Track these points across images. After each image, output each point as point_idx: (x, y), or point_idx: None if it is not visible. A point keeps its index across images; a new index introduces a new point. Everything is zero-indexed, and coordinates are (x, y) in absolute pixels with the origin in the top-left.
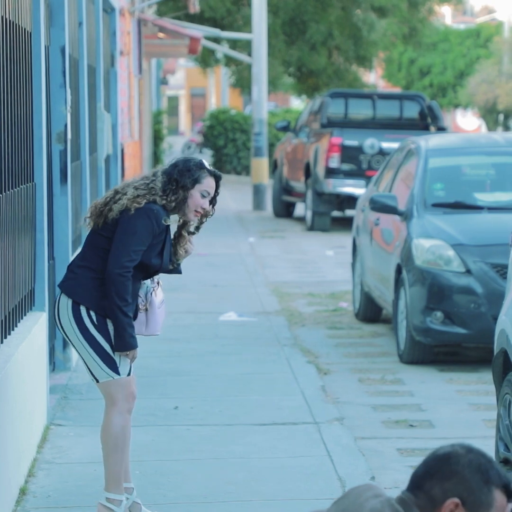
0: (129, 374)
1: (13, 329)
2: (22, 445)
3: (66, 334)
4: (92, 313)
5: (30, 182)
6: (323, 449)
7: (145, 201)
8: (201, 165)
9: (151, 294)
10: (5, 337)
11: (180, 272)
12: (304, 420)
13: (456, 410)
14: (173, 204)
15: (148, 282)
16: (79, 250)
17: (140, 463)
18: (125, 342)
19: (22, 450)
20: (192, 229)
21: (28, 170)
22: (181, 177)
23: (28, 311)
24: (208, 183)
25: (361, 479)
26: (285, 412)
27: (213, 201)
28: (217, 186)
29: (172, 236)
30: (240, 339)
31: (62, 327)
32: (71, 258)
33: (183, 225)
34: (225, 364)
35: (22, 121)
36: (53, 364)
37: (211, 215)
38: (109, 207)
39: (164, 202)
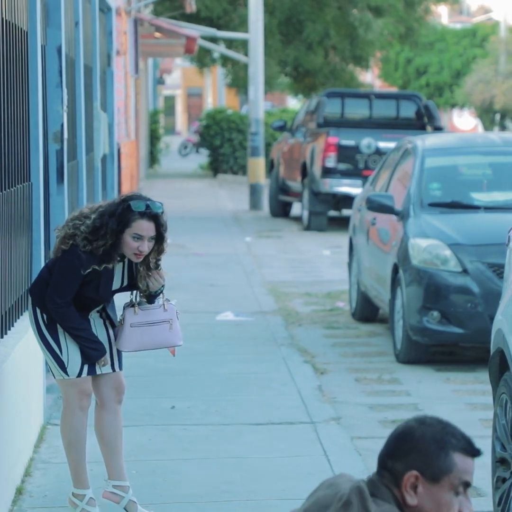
0: (80, 375)
1: (9, 329)
2: (19, 444)
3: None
4: (44, 314)
5: (26, 181)
6: (319, 449)
7: (71, 242)
8: (129, 208)
9: (124, 312)
10: (2, 337)
11: (152, 302)
12: (300, 420)
13: (453, 410)
14: (101, 250)
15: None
16: None
17: (136, 463)
18: (89, 355)
19: (19, 450)
20: (151, 266)
21: (25, 170)
22: (108, 222)
23: (24, 311)
24: (138, 226)
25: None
26: (281, 411)
27: (160, 239)
28: (158, 224)
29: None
30: (237, 338)
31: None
32: None
33: (143, 261)
34: (221, 364)
35: (19, 120)
36: None
37: (164, 252)
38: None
39: (89, 248)
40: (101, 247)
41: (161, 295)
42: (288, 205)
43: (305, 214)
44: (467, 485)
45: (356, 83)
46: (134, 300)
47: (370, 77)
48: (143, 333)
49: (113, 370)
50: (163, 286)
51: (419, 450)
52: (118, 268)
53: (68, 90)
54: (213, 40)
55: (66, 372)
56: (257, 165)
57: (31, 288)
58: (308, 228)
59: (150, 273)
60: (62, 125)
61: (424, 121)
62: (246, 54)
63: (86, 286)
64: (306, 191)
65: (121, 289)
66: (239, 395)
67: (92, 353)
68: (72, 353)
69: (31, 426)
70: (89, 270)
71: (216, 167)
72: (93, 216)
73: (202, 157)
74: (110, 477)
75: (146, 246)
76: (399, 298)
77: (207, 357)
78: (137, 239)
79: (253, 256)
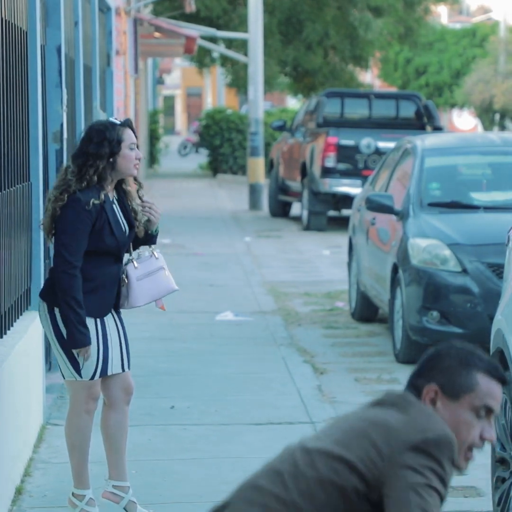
0: (93, 377)
1: (9, 329)
2: (18, 444)
3: (46, 334)
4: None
5: (26, 181)
6: None
7: (66, 195)
8: (113, 125)
9: (125, 269)
10: (1, 337)
11: (154, 242)
12: (300, 420)
13: None
14: (95, 177)
15: (124, 259)
16: None
17: (136, 463)
18: (74, 339)
19: (18, 450)
20: (128, 187)
21: (24, 170)
22: (101, 148)
23: (24, 311)
24: (129, 135)
25: None
26: (281, 411)
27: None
28: (134, 131)
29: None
30: (236, 338)
31: (43, 327)
32: None
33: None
34: (221, 364)
35: (18, 120)
36: (49, 364)
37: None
38: (46, 218)
39: (84, 183)
40: (94, 174)
41: (148, 247)
42: (287, 205)
43: (305, 214)
44: (490, 410)
45: (355, 83)
46: (130, 256)
47: (369, 77)
48: (148, 283)
49: (123, 369)
50: (158, 226)
51: (442, 366)
52: (115, 208)
53: (67, 90)
54: (213, 40)
55: (79, 374)
56: (257, 165)
57: (42, 292)
58: (307, 228)
59: (144, 203)
60: (61, 125)
61: (423, 121)
62: (245, 54)
63: (100, 234)
64: (305, 191)
65: (128, 239)
66: (239, 395)
67: (79, 338)
68: (89, 357)
69: (31, 426)
70: (91, 207)
71: (215, 167)
72: (68, 166)
73: (202, 157)
74: (110, 477)
75: (139, 153)
76: (398, 298)
77: (207, 357)
78: (132, 149)
79: (252, 256)
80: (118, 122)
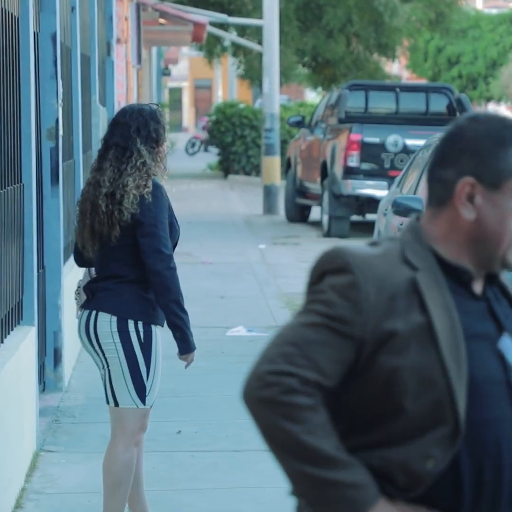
0: (151, 406)
1: None
2: (9, 473)
3: (103, 353)
4: (140, 327)
5: (17, 183)
6: None
7: (150, 181)
8: (160, 113)
9: None
10: None
11: None
12: None
13: None
14: (162, 165)
15: None
16: (71, 260)
17: None
18: (189, 343)
19: (9, 479)
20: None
21: (16, 170)
22: (159, 131)
23: (15, 326)
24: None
25: None
26: None
27: None
28: None
29: None
30: (249, 356)
31: (100, 346)
32: (63, 268)
33: None
34: (232, 384)
35: (9, 115)
36: (43, 384)
37: None
38: (117, 211)
39: (159, 168)
40: (161, 161)
41: None
42: (306, 209)
43: (325, 219)
44: None
45: (381, 74)
46: None
47: (396, 68)
48: None
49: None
50: None
51: (473, 151)
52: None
53: (63, 82)
54: (224, 27)
55: (143, 401)
56: (272, 164)
57: (110, 306)
58: (328, 234)
59: None
60: (57, 121)
61: (456, 116)
62: (260, 42)
63: (173, 224)
64: (326, 194)
65: None
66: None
67: (191, 341)
68: (156, 380)
69: (23, 452)
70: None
71: (226, 167)
72: (137, 144)
73: (211, 156)
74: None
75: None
76: None
77: (217, 377)
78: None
79: (267, 265)
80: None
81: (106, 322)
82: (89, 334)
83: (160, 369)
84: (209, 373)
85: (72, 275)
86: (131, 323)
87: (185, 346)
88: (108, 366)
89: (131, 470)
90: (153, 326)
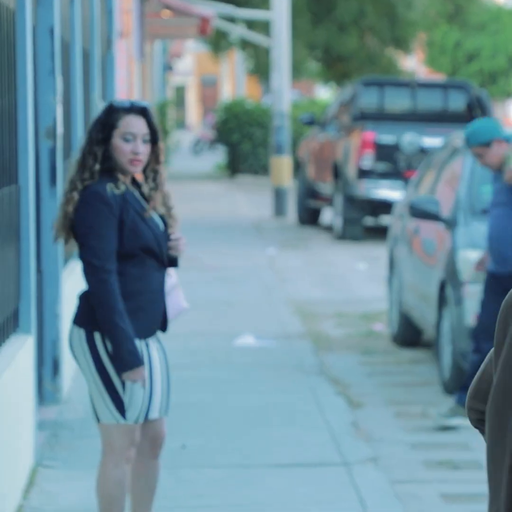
0: (137, 421)
1: None
2: (5, 489)
3: (80, 366)
4: (106, 339)
5: (13, 184)
6: (354, 495)
7: (76, 192)
8: (111, 108)
9: None
10: None
11: (177, 265)
12: (331, 461)
13: None
14: (97, 165)
15: None
16: (70, 265)
17: None
18: (123, 361)
19: (5, 495)
20: (145, 190)
21: (12, 171)
22: (93, 132)
23: (11, 334)
24: (127, 123)
25: None
26: (309, 451)
27: (155, 137)
28: (149, 120)
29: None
30: (257, 366)
31: (76, 359)
32: (62, 273)
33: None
34: (239, 395)
35: (5, 113)
36: (41, 396)
37: (161, 158)
38: (63, 214)
39: (86, 174)
40: (95, 162)
41: None
42: (317, 212)
43: (338, 222)
44: None
45: (396, 70)
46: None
47: (412, 63)
48: (172, 299)
49: (159, 413)
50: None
51: None
52: (141, 204)
53: (62, 78)
54: (231, 19)
55: (123, 415)
56: (282, 165)
57: (76, 318)
58: (341, 237)
59: (171, 242)
60: (55, 119)
61: (475, 113)
62: (269, 36)
63: (136, 229)
64: (338, 195)
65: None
66: (260, 431)
67: (127, 359)
68: (136, 393)
69: (20, 468)
70: (111, 198)
71: (234, 167)
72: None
73: (218, 155)
74: None
75: (140, 147)
76: (447, 320)
77: (223, 387)
78: (128, 140)
79: (276, 270)
80: (121, 104)
81: (76, 335)
82: (70, 347)
83: (146, 381)
84: (215, 384)
85: (72, 280)
86: (97, 336)
87: (118, 364)
88: (86, 379)
89: (123, 488)
90: None
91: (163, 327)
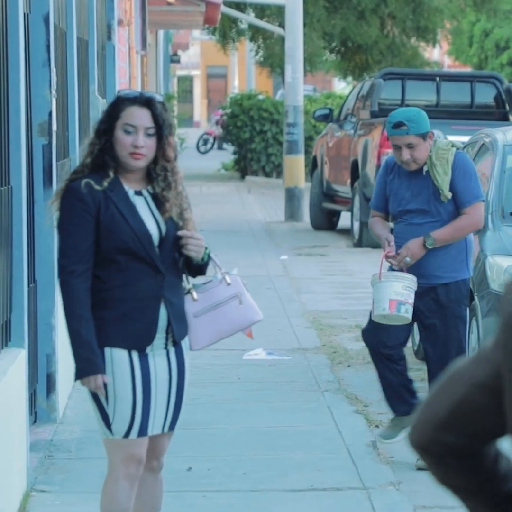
0: (127, 435)
1: None
2: None
3: None
4: None
5: (5, 185)
6: None
7: (66, 183)
8: (117, 99)
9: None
10: None
11: (204, 273)
12: (350, 485)
13: None
14: (89, 159)
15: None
16: None
17: None
18: (77, 367)
19: None
20: (157, 190)
21: (3, 171)
22: (99, 122)
23: (3, 348)
24: (129, 114)
25: None
26: (326, 474)
27: (161, 132)
28: (155, 113)
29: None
30: (269, 383)
31: None
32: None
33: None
34: (250, 415)
35: None
36: (35, 415)
37: (173, 155)
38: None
39: (79, 167)
40: (88, 156)
41: (216, 268)
42: (334, 215)
43: (356, 226)
44: None
45: (420, 61)
46: (187, 285)
47: (437, 54)
48: (212, 320)
49: (162, 429)
50: (207, 249)
51: None
52: (140, 201)
53: (57, 70)
54: (240, 7)
55: (110, 430)
56: (295, 164)
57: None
58: (359, 243)
59: (182, 240)
60: (50, 114)
61: (505, 109)
62: (281, 25)
63: (113, 231)
64: (357, 197)
65: (166, 241)
66: (272, 454)
67: (79, 365)
68: (121, 406)
69: (11, 492)
70: (87, 196)
71: (244, 167)
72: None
73: (227, 154)
74: None
75: (141, 140)
76: (473, 331)
77: (232, 406)
78: (129, 132)
79: (290, 279)
80: (127, 95)
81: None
82: None
83: (133, 395)
84: (223, 402)
85: None
86: None
87: (76, 371)
88: None
89: (122, 506)
90: (106, 349)
91: (175, 341)
